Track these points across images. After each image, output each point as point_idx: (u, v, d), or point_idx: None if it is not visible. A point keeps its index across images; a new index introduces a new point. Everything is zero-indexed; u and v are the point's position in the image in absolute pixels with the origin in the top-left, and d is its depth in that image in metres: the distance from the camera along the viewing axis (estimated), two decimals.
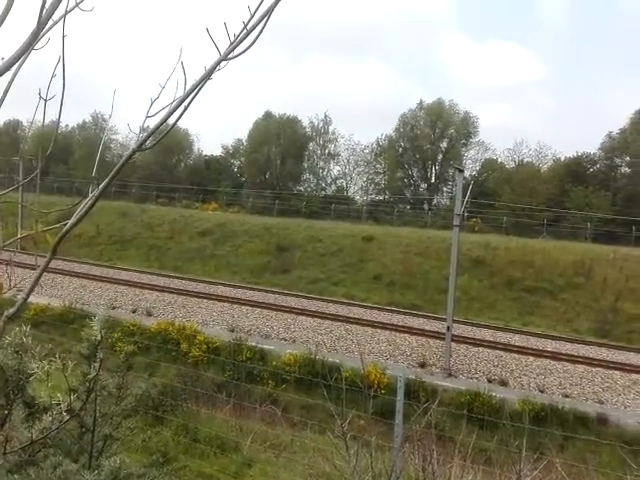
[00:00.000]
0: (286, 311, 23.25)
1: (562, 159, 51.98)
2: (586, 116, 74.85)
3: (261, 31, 1.16)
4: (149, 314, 22.33)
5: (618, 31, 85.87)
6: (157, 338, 18.41)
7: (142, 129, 1.48)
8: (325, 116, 60.40)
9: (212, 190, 55.18)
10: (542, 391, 16.81)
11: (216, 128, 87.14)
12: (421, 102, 56.60)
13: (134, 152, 1.34)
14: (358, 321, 22.26)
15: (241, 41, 1.18)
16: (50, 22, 1.54)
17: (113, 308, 22.89)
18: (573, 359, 19.09)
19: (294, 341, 20.12)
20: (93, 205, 1.39)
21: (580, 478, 8.82)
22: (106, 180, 1.35)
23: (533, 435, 12.75)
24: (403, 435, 5.59)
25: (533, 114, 76.81)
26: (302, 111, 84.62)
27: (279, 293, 27.29)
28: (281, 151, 59.01)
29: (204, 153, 67.78)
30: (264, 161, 58.92)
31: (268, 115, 61.65)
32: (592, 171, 49.99)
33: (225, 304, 23.96)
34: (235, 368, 16.10)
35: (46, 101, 1.46)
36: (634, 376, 17.58)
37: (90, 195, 1.42)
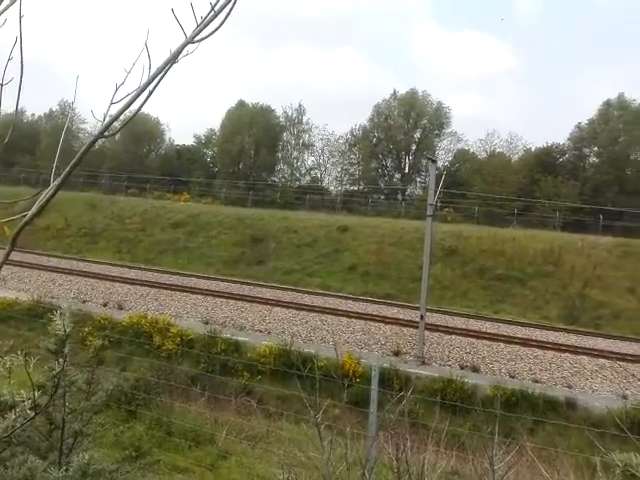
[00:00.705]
0: (261, 302, 23.17)
1: (532, 149, 52.93)
2: (556, 107, 76.40)
3: (229, 12, 1.11)
4: (121, 307, 21.98)
5: (589, 23, 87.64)
6: (129, 332, 18.13)
7: (106, 116, 1.42)
8: (299, 106, 60.08)
9: (184, 180, 54.41)
10: (513, 377, 17.20)
11: (188, 117, 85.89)
12: (395, 92, 56.77)
13: (96, 139, 1.28)
14: (333, 311, 22.35)
15: (208, 23, 1.13)
16: (6, 1, 1.45)
17: (84, 302, 22.45)
18: (542, 345, 19.57)
19: (269, 332, 20.08)
20: (54, 194, 1.32)
21: (550, 461, 9.07)
22: (67, 169, 1.29)
23: (505, 420, 13.04)
24: (377, 424, 5.63)
25: (505, 105, 78.03)
26: (276, 101, 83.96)
27: (254, 284, 27.18)
28: (254, 141, 58.43)
29: (176, 143, 66.77)
30: (237, 151, 58.29)
31: (241, 104, 60.94)
32: (561, 161, 51.04)
33: (199, 296, 23.74)
34: (209, 360, 15.98)
35: (2, 85, 1.39)
36: (601, 361, 18.12)
37: (51, 184, 1.36)
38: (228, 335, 17.99)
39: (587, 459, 10.63)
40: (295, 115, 60.41)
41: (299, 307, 22.81)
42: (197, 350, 16.99)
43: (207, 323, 20.14)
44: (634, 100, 47.74)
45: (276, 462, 9.70)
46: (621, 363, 17.95)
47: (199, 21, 1.15)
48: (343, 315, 21.90)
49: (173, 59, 1.13)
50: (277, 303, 23.20)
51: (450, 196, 34.01)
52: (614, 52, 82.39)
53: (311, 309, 22.61)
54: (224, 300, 23.28)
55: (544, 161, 49.72)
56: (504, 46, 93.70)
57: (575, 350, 19.23)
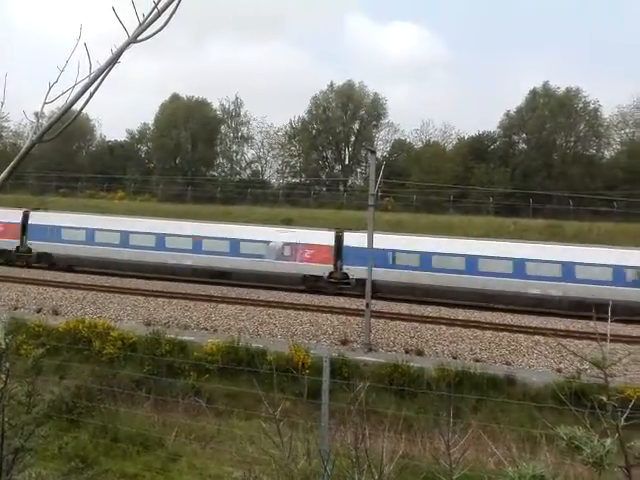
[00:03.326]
0: (205, 300, 22.79)
1: (465, 138, 54.79)
2: (487, 96, 79.00)
3: (174, 11, 1.07)
4: (56, 313, 20.98)
5: (516, 13, 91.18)
6: (66, 338, 17.34)
7: (39, 116, 1.33)
8: (236, 98, 59.12)
9: (118, 178, 52.41)
10: (455, 357, 17.87)
11: (119, 112, 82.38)
12: (332, 84, 57.03)
13: (34, 144, 1.20)
14: (280, 304, 22.33)
15: (152, 22, 1.09)
16: None
17: (15, 308, 21.26)
18: (481, 325, 20.43)
19: (215, 330, 19.83)
20: None
21: (494, 436, 9.52)
22: (3, 174, 1.20)
23: (450, 400, 13.54)
24: (329, 414, 5.70)
25: (438, 95, 79.95)
26: (212, 94, 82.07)
27: (196, 282, 26.63)
28: (191, 135, 57.06)
29: (107, 139, 64.10)
30: (173, 146, 56.74)
31: (175, 98, 59.23)
32: (492, 148, 53.19)
33: (139, 297, 23.03)
34: (154, 363, 15.56)
35: None
36: (536, 337, 19.15)
37: None
38: (172, 335, 17.57)
39: (528, 432, 11.26)
40: (232, 108, 59.54)
41: (245, 302, 22.62)
42: (140, 353, 16.48)
43: (149, 324, 19.60)
44: (558, 88, 50.40)
45: (229, 460, 9.64)
46: (555, 338, 19.04)
47: (141, 19, 1.10)
48: (290, 308, 21.93)
49: (115, 59, 1.08)
50: (222, 300, 22.89)
51: (390, 186, 34.66)
52: (540, 41, 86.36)
53: (257, 304, 22.49)
54: (166, 300, 22.71)
55: (477, 149, 51.65)
56: (435, 37, 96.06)
57: (512, 329, 20.21)
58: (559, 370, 17.02)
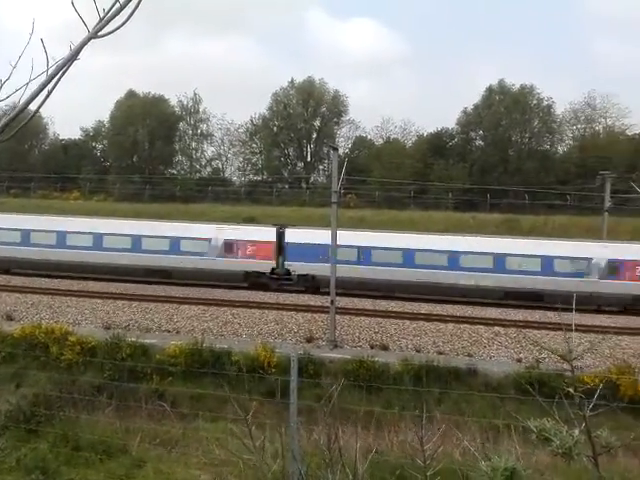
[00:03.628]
0: (167, 301, 22.35)
1: (425, 135, 55.71)
2: (446, 93, 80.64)
3: (137, 5, 1.02)
4: (10, 318, 20.16)
5: (473, 10, 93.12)
6: (22, 344, 16.70)
7: None
8: (195, 94, 58.18)
9: (72, 177, 50.76)
10: (419, 351, 18.15)
11: (72, 109, 79.70)
12: (292, 80, 56.89)
13: None
14: (245, 304, 22.12)
15: (114, 16, 1.03)
16: None
17: None
18: (444, 319, 20.82)
19: (178, 332, 19.49)
20: None
21: (459, 427, 9.72)
22: None
23: (415, 393, 13.76)
24: (297, 413, 5.68)
25: (398, 92, 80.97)
26: (170, 90, 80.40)
27: (158, 283, 26.08)
28: (148, 132, 55.84)
29: (61, 137, 61.98)
30: (130, 143, 55.40)
31: (131, 94, 57.79)
32: (451, 145, 54.27)
33: (97, 300, 22.37)
34: (115, 367, 15.16)
35: None
36: (496, 328, 19.65)
37: None
38: (133, 339, 17.16)
39: (490, 422, 11.56)
40: (191, 104, 58.57)
41: (208, 302, 22.30)
42: (100, 358, 16.04)
43: (109, 328, 19.07)
44: (513, 85, 51.84)
45: (196, 463, 9.50)
46: (513, 329, 19.62)
47: (102, 14, 1.05)
48: (255, 307, 21.76)
49: (75, 55, 1.02)
50: (184, 300, 22.50)
51: (352, 182, 34.89)
52: (495, 39, 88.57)
53: (221, 304, 22.20)
54: (126, 302, 22.14)
55: (436, 145, 52.61)
56: (394, 33, 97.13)
57: (473, 321, 20.67)
58: (519, 360, 17.52)
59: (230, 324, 20.17)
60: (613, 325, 20.42)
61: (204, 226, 27.55)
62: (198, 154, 59.69)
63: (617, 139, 49.48)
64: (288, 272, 25.57)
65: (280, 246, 25.87)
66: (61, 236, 27.01)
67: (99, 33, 1.04)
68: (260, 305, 22.03)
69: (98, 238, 26.83)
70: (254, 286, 25.44)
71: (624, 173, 36.93)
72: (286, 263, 25.57)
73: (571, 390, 1.77)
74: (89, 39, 1.04)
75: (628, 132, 50.89)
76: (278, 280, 25.76)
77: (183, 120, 59.11)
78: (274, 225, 26.97)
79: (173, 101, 58.57)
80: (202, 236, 26.29)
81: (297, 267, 25.17)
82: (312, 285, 25.13)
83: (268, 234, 26.13)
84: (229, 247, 25.95)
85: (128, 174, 52.20)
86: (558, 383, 14.63)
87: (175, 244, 26.19)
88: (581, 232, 31.06)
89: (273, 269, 25.79)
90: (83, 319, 20.39)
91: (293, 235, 25.73)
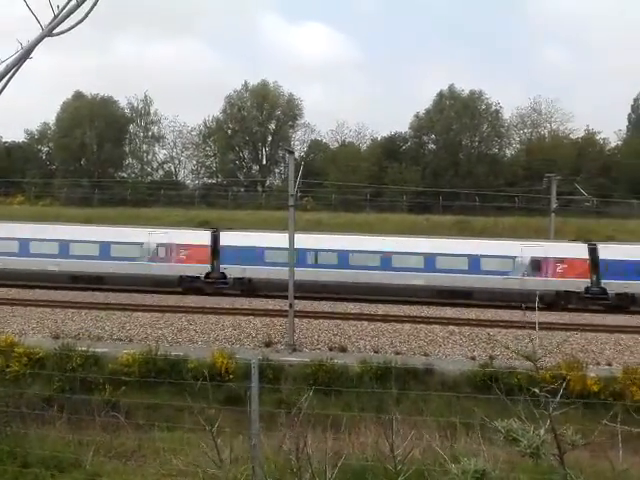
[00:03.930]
0: (119, 309, 21.69)
1: (379, 138, 56.47)
2: (399, 97, 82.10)
3: (95, 2, 0.96)
4: None
5: (424, 16, 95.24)
6: None
7: None
8: (145, 96, 56.76)
9: (17, 181, 48.51)
10: (377, 352, 18.35)
11: (16, 111, 76.25)
12: (246, 83, 56.44)
13: None
14: (200, 310, 21.75)
15: (70, 13, 0.97)
16: None
17: None
18: (400, 319, 21.14)
19: (131, 340, 18.97)
20: None
21: (417, 426, 9.84)
22: None
23: (375, 394, 13.88)
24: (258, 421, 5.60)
25: (352, 96, 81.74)
26: (119, 92, 78.09)
27: (109, 290, 25.27)
28: (97, 135, 54.08)
29: (3, 139, 59.13)
30: (77, 146, 53.48)
31: (79, 96, 55.80)
32: (404, 149, 55.25)
33: (46, 309, 21.46)
34: (65, 378, 14.59)
35: None
36: (450, 327, 20.11)
37: None
38: (84, 348, 16.53)
39: (447, 421, 11.79)
40: (142, 106, 57.13)
41: (162, 309, 21.80)
42: (49, 369, 15.37)
43: (58, 337, 18.33)
44: (463, 90, 53.32)
45: (153, 474, 9.21)
46: (467, 327, 20.14)
47: (57, 11, 0.98)
48: (211, 313, 21.42)
49: (27, 54, 0.95)
50: (137, 308, 21.90)
51: (308, 186, 34.96)
52: (446, 45, 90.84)
53: (176, 310, 21.75)
54: (75, 310, 21.35)
55: (389, 149, 53.46)
56: (348, 39, 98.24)
57: (428, 320, 21.09)
58: (473, 358, 17.98)
59: (186, 331, 19.78)
60: (560, 322, 21.25)
61: (137, 230, 26.90)
62: (149, 157, 58.35)
63: (561, 143, 51.71)
64: (224, 275, 25.37)
65: (215, 249, 25.64)
66: None
67: (54, 31, 0.97)
68: (216, 310, 21.71)
69: (24, 244, 25.73)
70: (189, 291, 25.17)
71: (568, 175, 38.61)
72: (221, 266, 25.38)
73: (537, 390, 1.81)
74: (43, 37, 0.97)
75: (572, 136, 53.37)
76: (213, 284, 25.53)
77: (133, 122, 57.61)
78: (209, 228, 26.79)
79: (123, 103, 57.06)
80: (134, 240, 25.70)
81: (232, 270, 25.00)
82: (248, 288, 25.07)
83: (203, 237, 25.91)
84: (162, 251, 25.48)
85: (76, 178, 50.36)
86: (511, 379, 15.17)
87: (105, 249, 25.53)
88: (529, 232, 32.25)
89: (208, 273, 25.54)
90: (30, 329, 19.54)
91: (228, 238, 25.60)
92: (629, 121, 55.70)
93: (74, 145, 53.06)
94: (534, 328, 2.42)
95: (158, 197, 46.23)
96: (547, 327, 20.01)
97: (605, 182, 45.83)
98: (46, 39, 0.98)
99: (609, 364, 17.45)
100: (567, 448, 1.78)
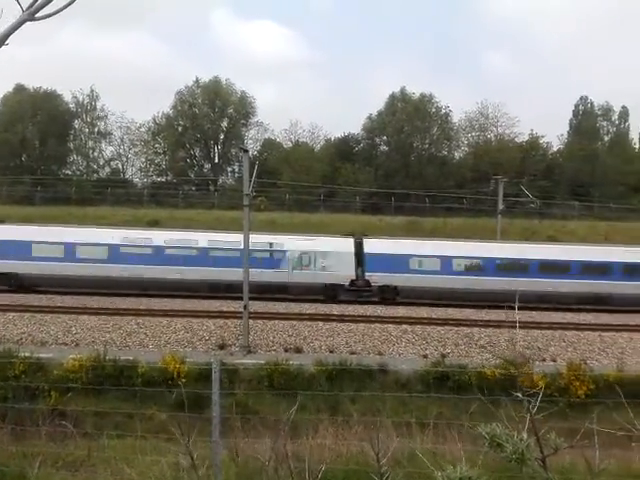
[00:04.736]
0: (64, 312, 20.78)
1: (332, 139, 56.78)
2: (351, 99, 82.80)
3: None
4: None
5: (377, 19, 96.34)
6: None
7: None
8: (91, 91, 54.72)
9: None
10: (332, 351, 18.41)
11: None
12: (197, 80, 55.40)
13: None
14: (150, 312, 21.12)
15: None
16: None
17: None
18: (355, 319, 21.30)
19: (77, 344, 18.27)
20: None
21: (375, 425, 9.91)
22: None
23: (330, 393, 13.89)
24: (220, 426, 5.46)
25: (305, 96, 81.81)
26: (63, 86, 74.75)
27: (53, 293, 24.17)
28: (39, 130, 51.71)
29: None
30: (18, 141, 50.98)
31: (20, 89, 53.15)
32: (357, 150, 55.80)
33: None
34: (7, 386, 13.80)
35: None
36: (404, 326, 20.41)
37: None
38: (27, 354, 15.74)
39: (401, 418, 11.94)
40: (87, 101, 55.05)
41: (110, 312, 21.03)
42: None
43: None
44: (414, 93, 54.40)
45: None
46: (419, 326, 20.51)
47: None
48: (161, 315, 20.84)
49: (4, 38, 0.85)
50: (84, 311, 21.06)
51: (262, 185, 34.67)
52: (398, 48, 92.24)
53: (124, 313, 21.02)
54: (17, 314, 20.29)
55: (343, 150, 53.90)
56: (301, 38, 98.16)
57: (382, 320, 21.33)
58: (425, 356, 18.33)
59: (135, 334, 19.20)
60: (508, 319, 21.98)
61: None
62: (95, 154, 56.31)
63: (507, 146, 53.66)
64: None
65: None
66: None
67: (37, 15, 0.87)
68: (167, 313, 21.15)
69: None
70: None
71: (514, 178, 40.11)
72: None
73: (519, 395, 1.82)
74: (24, 21, 0.87)
75: (517, 140, 55.48)
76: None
77: (78, 117, 55.43)
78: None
79: (67, 97, 54.79)
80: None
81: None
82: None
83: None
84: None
85: (16, 175, 47.92)
86: (461, 376, 15.57)
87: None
88: (476, 232, 33.26)
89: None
90: None
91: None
92: (570, 126, 58.44)
93: (15, 140, 50.59)
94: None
95: (105, 196, 44.71)
96: (496, 325, 20.76)
97: (548, 184, 47.91)
98: (27, 24, 0.88)
99: (554, 360, 18.19)
100: (550, 452, 1.80)
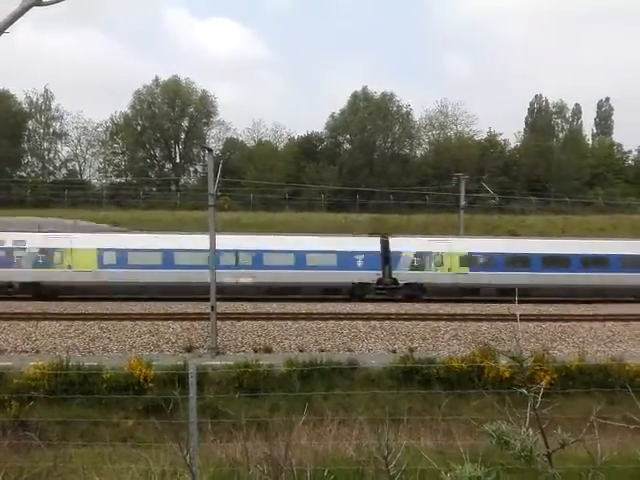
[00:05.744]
0: (23, 318, 20.02)
1: (296, 138, 56.65)
2: (314, 97, 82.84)
3: None
4: None
5: (339, 18, 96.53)
6: None
7: None
8: (45, 90, 52.84)
9: None
10: (302, 350, 18.36)
11: None
12: (157, 79, 54.26)
13: None
14: (113, 316, 20.58)
15: None
16: None
17: None
18: (324, 317, 21.29)
19: (38, 351, 17.67)
20: None
21: (349, 422, 9.92)
22: None
23: (302, 392, 13.83)
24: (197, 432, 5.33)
25: (266, 95, 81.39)
26: (15, 85, 71.76)
27: (10, 299, 23.21)
28: None
29: None
30: None
31: None
32: (321, 148, 55.86)
33: None
34: None
35: None
36: (372, 322, 20.56)
37: None
38: None
39: (372, 413, 12.04)
40: (41, 101, 53.13)
41: (72, 317, 20.38)
42: None
43: None
44: (375, 92, 54.84)
45: None
46: (387, 322, 20.70)
47: None
48: (125, 319, 20.32)
49: (10, 23, 0.76)
50: (44, 316, 20.31)
51: (226, 184, 34.26)
52: (359, 48, 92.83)
53: (86, 317, 20.43)
54: None
55: (306, 149, 53.88)
56: (258, 37, 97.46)
57: (351, 316, 21.42)
58: (394, 351, 18.51)
59: (99, 339, 18.67)
60: (473, 312, 22.50)
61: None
62: (51, 155, 54.44)
63: (467, 144, 54.78)
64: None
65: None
66: None
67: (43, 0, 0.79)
68: (131, 316, 20.66)
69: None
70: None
71: (474, 175, 40.97)
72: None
73: (524, 391, 1.82)
74: (30, 6, 0.79)
75: (476, 137, 56.73)
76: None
77: (32, 118, 53.47)
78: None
79: (20, 97, 52.78)
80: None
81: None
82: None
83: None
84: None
85: None
86: (429, 370, 15.82)
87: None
88: (438, 228, 33.85)
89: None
90: None
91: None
92: (526, 123, 60.12)
93: None
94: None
95: (62, 197, 43.29)
96: (461, 319, 21.18)
97: (506, 181, 49.19)
98: (34, 8, 0.80)
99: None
100: (556, 447, 1.81)
